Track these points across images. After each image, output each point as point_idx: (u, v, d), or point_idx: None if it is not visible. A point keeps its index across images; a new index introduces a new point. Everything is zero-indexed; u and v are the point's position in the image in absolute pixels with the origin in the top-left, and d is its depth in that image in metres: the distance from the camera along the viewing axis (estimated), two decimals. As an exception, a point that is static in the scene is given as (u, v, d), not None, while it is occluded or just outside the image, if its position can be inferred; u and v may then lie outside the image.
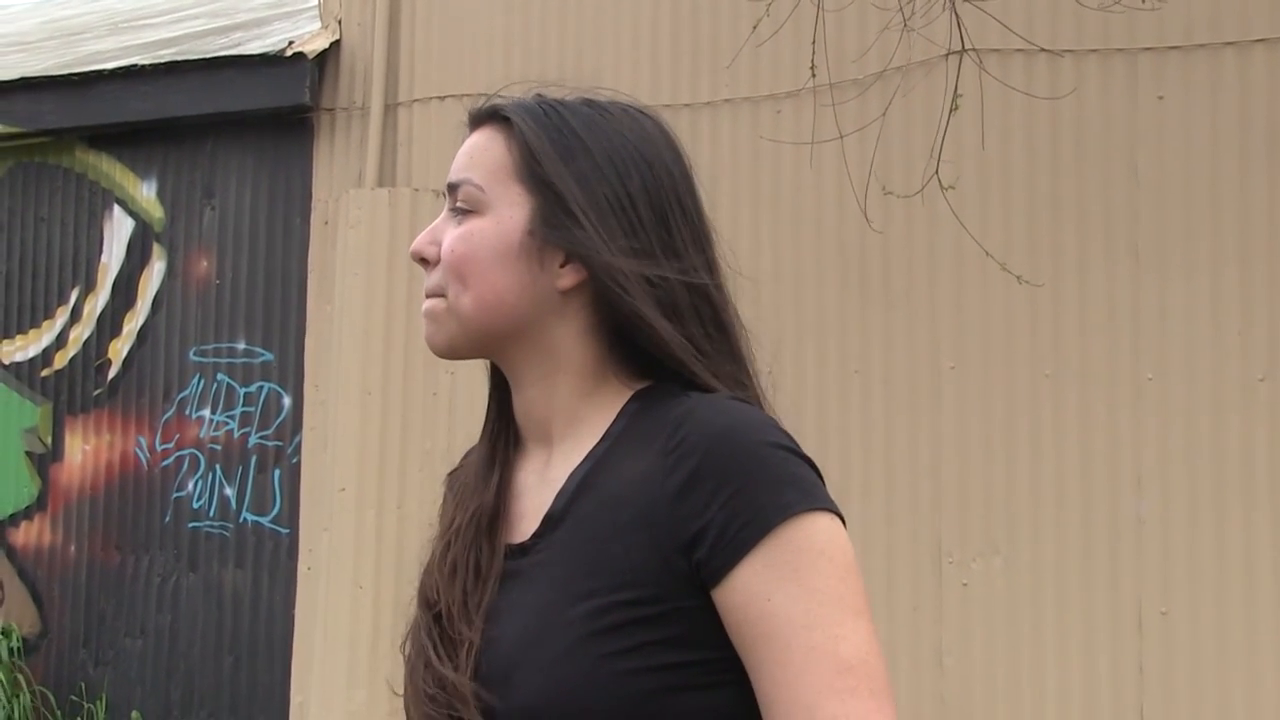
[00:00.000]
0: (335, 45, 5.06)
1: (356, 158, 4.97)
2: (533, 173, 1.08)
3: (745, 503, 0.97)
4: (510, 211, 1.08)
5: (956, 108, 3.74)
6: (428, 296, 1.10)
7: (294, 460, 4.99)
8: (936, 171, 3.77)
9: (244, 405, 5.12)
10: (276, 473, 5.02)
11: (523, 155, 1.09)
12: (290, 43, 5.04)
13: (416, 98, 4.91)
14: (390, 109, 4.93)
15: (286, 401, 5.05)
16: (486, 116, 1.12)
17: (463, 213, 1.09)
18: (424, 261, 1.10)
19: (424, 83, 4.91)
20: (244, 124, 5.16)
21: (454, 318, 1.08)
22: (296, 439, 5.00)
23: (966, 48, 3.74)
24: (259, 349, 5.13)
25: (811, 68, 3.86)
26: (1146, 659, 3.72)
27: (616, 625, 0.99)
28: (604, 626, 0.99)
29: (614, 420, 1.07)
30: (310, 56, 4.97)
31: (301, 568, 4.94)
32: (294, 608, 4.95)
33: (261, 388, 5.10)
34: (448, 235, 1.09)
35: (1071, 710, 3.80)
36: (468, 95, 4.72)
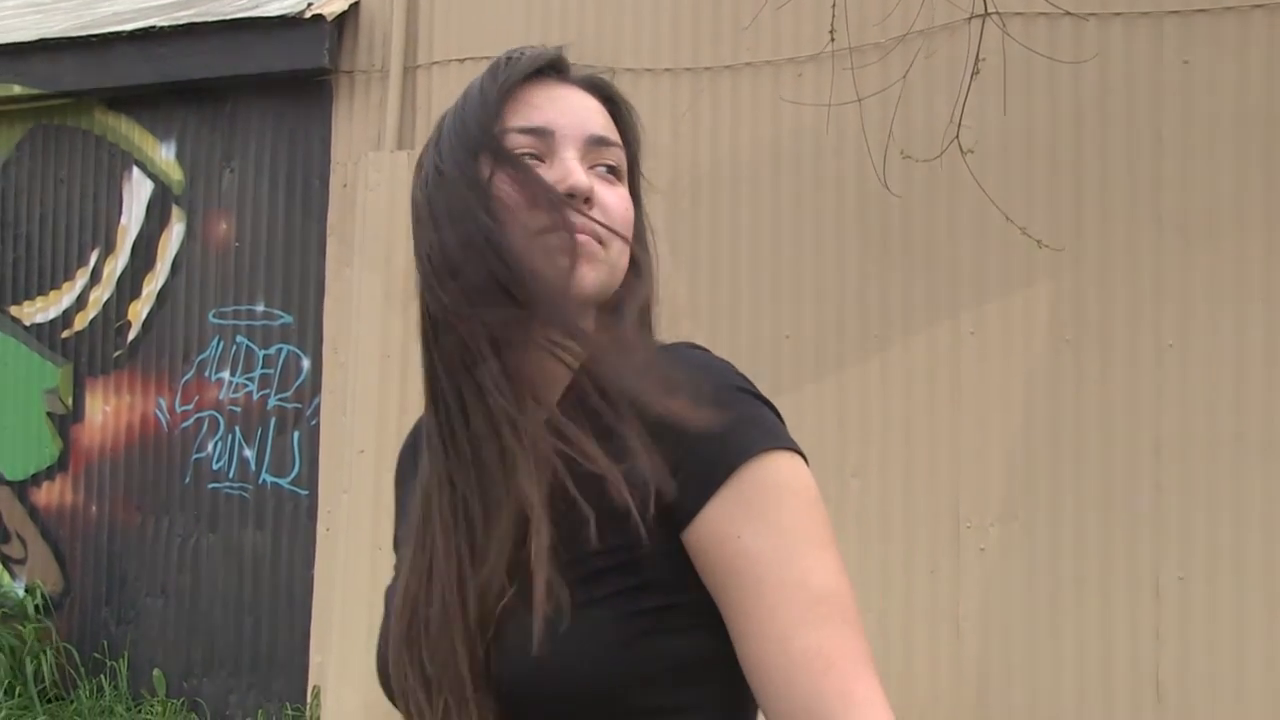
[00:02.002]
0: (354, 7, 5.04)
1: (375, 120, 4.96)
2: (631, 174, 1.13)
3: (709, 446, 0.99)
4: (629, 196, 1.12)
5: (978, 72, 3.71)
6: (590, 235, 1.05)
7: (313, 422, 5.02)
8: (957, 136, 3.74)
9: (263, 367, 5.14)
10: (296, 435, 5.05)
11: (629, 154, 1.13)
12: (309, 4, 5.03)
13: (436, 60, 4.90)
14: (409, 71, 4.92)
15: (305, 364, 5.07)
16: (601, 89, 1.13)
17: (611, 172, 1.09)
18: (587, 201, 1.06)
19: (443, 45, 4.89)
20: (263, 86, 5.15)
21: (608, 269, 1.07)
22: (315, 401, 5.03)
23: (989, 11, 3.70)
24: (278, 311, 5.14)
25: (831, 32, 3.83)
26: (1163, 624, 3.73)
27: (589, 575, 1.00)
28: (576, 577, 0.99)
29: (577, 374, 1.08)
30: (329, 18, 4.96)
31: (320, 529, 4.98)
32: (313, 568, 4.99)
33: (280, 350, 5.13)
34: (611, 190, 1.08)
35: (1088, 674, 3.81)
36: (486, 58, 4.70)
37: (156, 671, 5.25)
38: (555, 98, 1.09)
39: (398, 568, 1.14)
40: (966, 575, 3.96)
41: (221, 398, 5.20)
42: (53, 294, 5.59)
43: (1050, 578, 3.86)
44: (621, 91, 1.14)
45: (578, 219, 1.04)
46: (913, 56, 4.02)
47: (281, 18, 5.02)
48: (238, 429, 5.16)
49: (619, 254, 1.07)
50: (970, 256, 4.04)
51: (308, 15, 4.97)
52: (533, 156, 1.07)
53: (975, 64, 3.71)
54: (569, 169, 1.06)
